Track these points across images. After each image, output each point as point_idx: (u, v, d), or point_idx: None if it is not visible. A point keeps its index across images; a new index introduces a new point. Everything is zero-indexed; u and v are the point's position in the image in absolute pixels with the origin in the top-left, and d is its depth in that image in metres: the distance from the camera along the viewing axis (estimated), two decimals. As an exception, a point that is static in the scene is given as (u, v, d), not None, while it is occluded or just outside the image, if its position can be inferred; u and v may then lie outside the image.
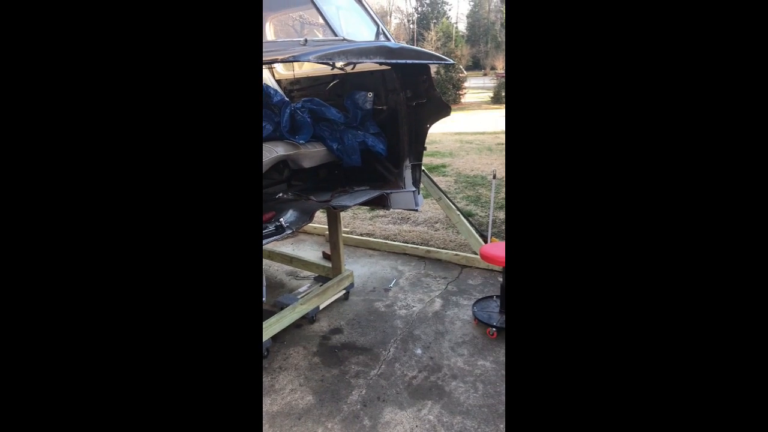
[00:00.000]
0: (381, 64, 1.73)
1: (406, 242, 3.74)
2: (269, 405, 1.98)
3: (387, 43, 1.62)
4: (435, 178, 3.45)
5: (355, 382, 2.11)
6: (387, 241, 3.73)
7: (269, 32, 2.69)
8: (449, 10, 55.01)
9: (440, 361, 2.23)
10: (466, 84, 20.42)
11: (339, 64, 1.77)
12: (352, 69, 2.11)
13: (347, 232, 4.01)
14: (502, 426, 1.79)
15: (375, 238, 3.88)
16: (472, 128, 11.37)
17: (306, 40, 1.53)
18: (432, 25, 36.89)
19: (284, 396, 2.04)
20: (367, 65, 2.14)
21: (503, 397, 1.95)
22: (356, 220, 4.51)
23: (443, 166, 6.83)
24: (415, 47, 1.84)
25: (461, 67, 22.08)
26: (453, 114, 2.60)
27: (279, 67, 2.80)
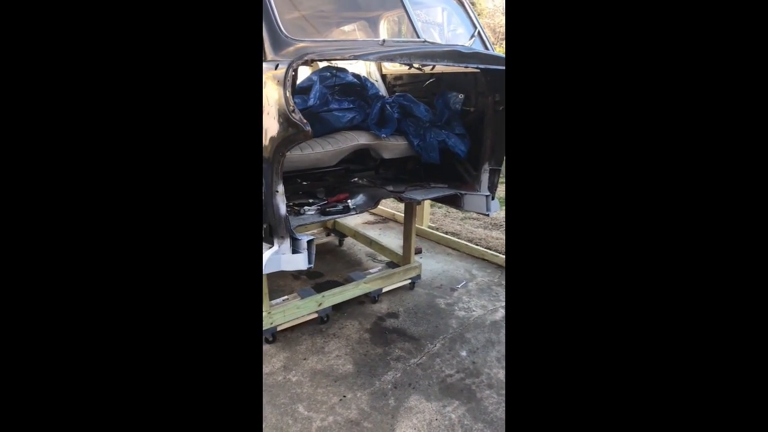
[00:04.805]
0: (456, 67, 1.78)
1: (488, 248, 3.68)
2: (315, 363, 2.23)
3: (458, 47, 1.66)
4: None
5: (394, 364, 2.23)
6: (468, 243, 3.71)
7: (383, 30, 2.90)
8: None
9: (482, 368, 2.22)
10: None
11: (416, 64, 1.86)
12: (431, 69, 2.18)
13: (433, 228, 4.09)
14: (522, 446, 1.74)
15: (459, 238, 3.89)
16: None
17: (384, 41, 1.66)
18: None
19: (330, 359, 2.26)
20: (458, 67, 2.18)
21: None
22: (447, 218, 4.55)
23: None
24: (489, 52, 1.82)
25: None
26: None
27: (387, 64, 2.99)
